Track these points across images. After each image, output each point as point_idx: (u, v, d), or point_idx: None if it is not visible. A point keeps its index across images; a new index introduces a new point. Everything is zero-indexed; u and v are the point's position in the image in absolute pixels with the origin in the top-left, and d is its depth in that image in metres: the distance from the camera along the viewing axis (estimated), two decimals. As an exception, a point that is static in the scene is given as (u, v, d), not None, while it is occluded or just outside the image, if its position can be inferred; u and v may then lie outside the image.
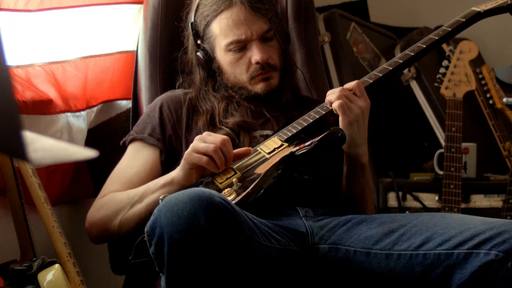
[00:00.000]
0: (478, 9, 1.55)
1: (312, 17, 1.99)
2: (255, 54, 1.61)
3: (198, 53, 1.69)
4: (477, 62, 2.67)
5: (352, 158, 1.52)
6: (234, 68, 1.64)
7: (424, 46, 1.55)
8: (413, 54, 1.54)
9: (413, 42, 2.70)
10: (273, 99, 1.67)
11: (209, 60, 1.68)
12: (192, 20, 1.70)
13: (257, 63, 1.61)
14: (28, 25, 1.74)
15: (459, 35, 3.01)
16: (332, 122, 1.57)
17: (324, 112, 1.52)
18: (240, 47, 1.62)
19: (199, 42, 1.69)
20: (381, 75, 1.54)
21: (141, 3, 1.99)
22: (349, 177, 1.55)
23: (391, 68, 1.54)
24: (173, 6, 1.93)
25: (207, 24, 1.65)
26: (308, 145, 1.42)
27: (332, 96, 1.49)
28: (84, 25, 1.90)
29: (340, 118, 1.46)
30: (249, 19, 1.61)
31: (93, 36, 1.93)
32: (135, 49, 1.96)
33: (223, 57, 1.65)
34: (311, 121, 1.52)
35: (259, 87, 1.64)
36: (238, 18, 1.60)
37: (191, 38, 1.72)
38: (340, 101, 1.46)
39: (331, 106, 1.50)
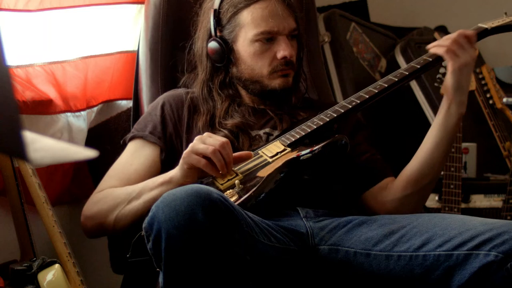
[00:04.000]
0: (485, 26, 1.56)
1: (313, 17, 1.99)
2: (283, 49, 1.60)
3: (214, 42, 1.65)
4: (477, 62, 2.66)
5: (453, 106, 1.50)
6: (256, 60, 1.62)
7: (430, 59, 1.53)
8: (419, 66, 1.53)
9: (413, 42, 2.73)
10: (282, 99, 1.67)
11: (225, 50, 1.64)
12: (216, 7, 1.66)
13: (284, 58, 1.60)
14: (28, 25, 1.74)
15: (459, 35, 3.00)
16: (336, 128, 1.57)
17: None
18: (268, 38, 1.60)
19: (217, 31, 1.66)
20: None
21: (141, 3, 1.99)
22: (440, 132, 1.52)
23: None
24: (174, 5, 1.92)
25: (236, 12, 1.62)
26: (312, 151, 1.43)
27: (447, 41, 1.49)
28: (84, 25, 1.90)
29: (448, 64, 1.47)
30: (284, 13, 1.61)
31: (93, 36, 1.93)
32: (135, 49, 1.96)
33: (246, 48, 1.62)
34: (315, 127, 1.52)
35: (277, 82, 1.62)
36: (275, 9, 1.60)
37: (206, 27, 1.68)
38: (445, 48, 1.47)
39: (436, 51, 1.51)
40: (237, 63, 1.65)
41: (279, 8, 1.60)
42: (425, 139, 1.55)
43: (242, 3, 1.62)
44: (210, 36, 1.67)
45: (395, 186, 1.57)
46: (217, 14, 1.66)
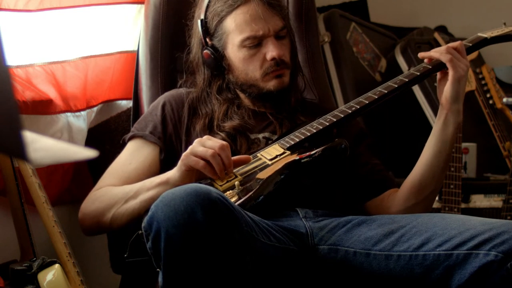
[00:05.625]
0: (485, 35, 1.57)
1: (313, 17, 1.99)
2: (271, 50, 1.59)
3: (206, 51, 1.66)
4: (477, 62, 2.67)
5: (450, 116, 1.49)
6: (247, 64, 1.62)
7: (430, 67, 1.53)
8: (419, 73, 1.53)
9: (413, 42, 2.73)
10: (281, 100, 1.67)
11: (218, 58, 1.66)
12: (202, 17, 1.67)
13: (273, 59, 1.60)
14: (28, 25, 1.74)
15: (458, 36, 3.01)
16: (336, 133, 1.57)
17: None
18: (255, 43, 1.60)
19: (207, 39, 1.67)
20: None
21: (141, 3, 1.99)
22: (439, 141, 1.52)
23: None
24: (174, 5, 1.93)
25: (220, 20, 1.63)
26: (311, 155, 1.43)
27: (438, 53, 1.49)
28: (84, 25, 1.90)
29: (450, 73, 1.47)
30: (267, 15, 1.60)
31: (93, 36, 1.93)
32: (135, 49, 1.96)
33: (236, 54, 1.63)
34: (314, 131, 1.52)
35: (271, 84, 1.62)
36: (256, 13, 1.59)
37: (198, 36, 1.69)
38: (450, 56, 1.47)
39: (429, 62, 1.51)
40: (231, 69, 1.66)
41: (261, 11, 1.59)
42: (424, 149, 1.55)
43: (224, 11, 1.62)
44: (203, 45, 1.68)
45: (397, 197, 1.57)
46: (204, 23, 1.67)
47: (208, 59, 1.67)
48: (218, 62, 1.66)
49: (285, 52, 1.63)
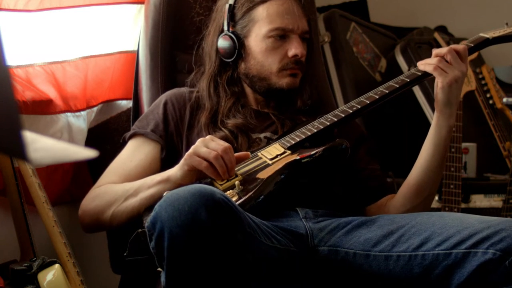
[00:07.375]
0: (486, 36, 1.56)
1: (313, 17, 1.99)
2: (295, 47, 1.61)
3: (225, 37, 1.66)
4: (477, 62, 2.67)
5: (442, 119, 1.50)
6: (267, 56, 1.63)
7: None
8: (420, 74, 1.53)
9: (413, 42, 2.73)
10: (287, 101, 1.67)
11: (237, 45, 1.65)
12: (232, 2, 1.67)
13: (295, 56, 1.61)
14: (28, 25, 1.74)
15: (458, 36, 3.01)
16: (336, 133, 1.57)
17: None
18: (281, 35, 1.62)
19: (230, 26, 1.67)
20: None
21: (141, 3, 1.99)
22: (433, 144, 1.52)
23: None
24: (174, 5, 1.93)
25: (251, 7, 1.64)
26: (312, 155, 1.43)
27: (423, 65, 1.50)
28: (84, 25, 1.90)
29: (438, 80, 1.47)
30: (299, 13, 1.64)
31: (93, 36, 1.93)
32: (135, 49, 1.96)
33: (258, 43, 1.63)
34: (315, 131, 1.52)
35: (284, 81, 1.63)
36: (291, 7, 1.62)
37: (218, 22, 1.70)
38: (434, 65, 1.47)
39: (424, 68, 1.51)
40: (247, 59, 1.66)
41: (295, 7, 1.63)
42: (420, 152, 1.55)
43: None
44: (221, 31, 1.68)
45: (394, 202, 1.58)
46: (232, 9, 1.67)
47: (224, 46, 1.67)
48: (235, 50, 1.66)
49: (305, 54, 1.65)
